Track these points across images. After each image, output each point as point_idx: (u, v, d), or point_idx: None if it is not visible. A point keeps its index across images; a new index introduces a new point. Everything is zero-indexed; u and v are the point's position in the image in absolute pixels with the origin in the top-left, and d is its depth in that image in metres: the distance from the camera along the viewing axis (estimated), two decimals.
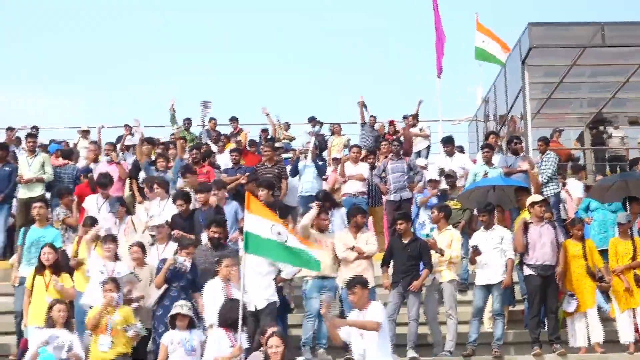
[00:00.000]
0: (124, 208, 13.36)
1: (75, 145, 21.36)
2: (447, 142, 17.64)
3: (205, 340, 10.49)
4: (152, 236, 13.03)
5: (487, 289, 12.74)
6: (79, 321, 11.31)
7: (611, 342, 12.86)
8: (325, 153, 21.32)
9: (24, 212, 15.35)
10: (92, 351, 10.74)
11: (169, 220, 13.14)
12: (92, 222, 12.32)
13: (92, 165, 16.96)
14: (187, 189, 14.38)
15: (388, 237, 15.47)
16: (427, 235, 12.90)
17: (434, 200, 15.50)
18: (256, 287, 11.57)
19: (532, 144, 18.54)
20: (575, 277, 12.96)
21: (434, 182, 16.00)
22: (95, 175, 16.28)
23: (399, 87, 47.88)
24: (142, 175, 15.99)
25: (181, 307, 10.64)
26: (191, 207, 13.73)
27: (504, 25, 46.31)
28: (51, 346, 10.39)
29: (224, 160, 18.10)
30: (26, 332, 11.84)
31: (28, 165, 15.95)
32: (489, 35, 23.47)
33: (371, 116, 21.67)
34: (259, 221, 9.75)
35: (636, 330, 12.85)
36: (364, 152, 17.74)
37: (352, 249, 12.56)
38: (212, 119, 22.28)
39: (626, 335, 12.83)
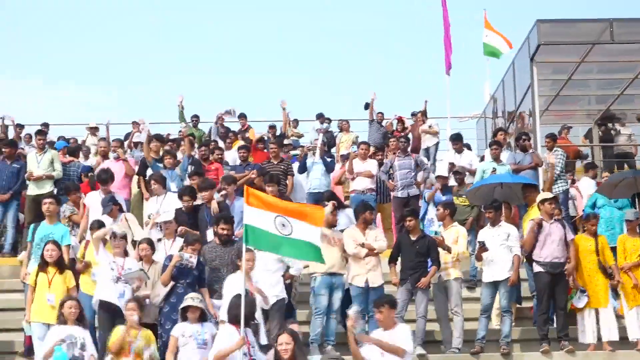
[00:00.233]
0: (117, 206, 13.30)
1: (84, 142, 21.44)
2: (456, 139, 17.66)
3: (216, 334, 10.48)
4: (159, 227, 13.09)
5: (494, 285, 12.74)
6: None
7: (619, 339, 12.85)
8: (333, 150, 21.33)
9: (33, 209, 15.41)
10: None
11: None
12: (100, 225, 12.31)
13: (101, 162, 17.00)
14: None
15: (396, 234, 15.48)
16: (436, 233, 12.89)
17: (442, 197, 15.50)
18: (265, 284, 11.58)
19: (540, 141, 18.51)
20: (587, 273, 12.96)
21: (442, 179, 16.00)
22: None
23: (407, 85, 47.85)
24: (149, 172, 16.01)
25: (192, 299, 10.61)
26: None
27: (513, 22, 46.29)
28: (65, 345, 10.38)
29: (232, 157, 18.12)
30: (28, 328, 11.86)
31: (37, 162, 15.95)
32: (494, 31, 23.52)
33: (378, 113, 21.66)
34: (259, 214, 9.67)
35: None
36: (372, 149, 17.74)
37: (363, 245, 12.57)
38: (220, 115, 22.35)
39: (634, 332, 12.83)
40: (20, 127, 21.98)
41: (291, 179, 16.48)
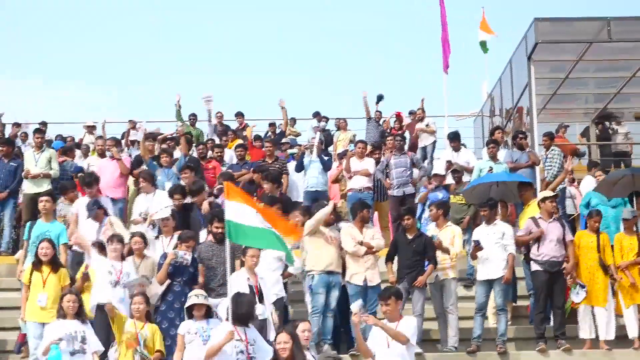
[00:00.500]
0: (102, 210, 13.28)
1: (81, 140, 21.45)
2: (454, 138, 17.65)
3: None
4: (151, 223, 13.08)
5: (489, 284, 12.75)
6: None
7: (616, 337, 12.86)
8: (330, 148, 21.34)
9: (30, 207, 15.42)
10: None
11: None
12: (102, 248, 12.28)
13: (98, 160, 17.01)
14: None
15: (393, 232, 15.49)
16: (433, 237, 12.86)
17: (439, 196, 15.52)
18: (265, 283, 11.61)
19: (538, 139, 18.51)
20: (587, 270, 12.97)
21: (439, 177, 16.01)
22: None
23: (405, 84, 47.83)
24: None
25: (197, 296, 10.51)
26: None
27: (510, 21, 46.16)
28: (64, 342, 10.34)
29: (229, 155, 18.14)
30: (24, 326, 11.84)
31: (35, 161, 15.97)
32: (487, 31, 23.64)
33: (377, 111, 21.67)
34: (240, 208, 9.64)
35: None
36: (369, 148, 17.74)
37: (361, 243, 12.58)
38: (219, 112, 22.35)
39: (631, 331, 12.84)
40: (17, 125, 21.99)
41: (286, 177, 16.49)
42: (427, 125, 20.85)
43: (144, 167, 15.84)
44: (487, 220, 13.04)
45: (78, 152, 19.57)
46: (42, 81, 54.21)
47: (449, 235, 12.92)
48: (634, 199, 14.34)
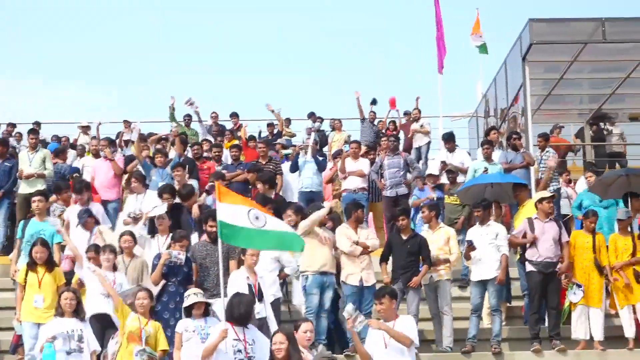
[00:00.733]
0: (92, 219, 13.26)
1: (76, 140, 21.45)
2: (449, 138, 17.66)
3: None
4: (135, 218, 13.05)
5: (483, 284, 12.75)
6: None
7: (610, 337, 12.88)
8: (325, 149, 21.34)
9: (24, 208, 15.41)
10: (124, 358, 10.44)
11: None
12: (97, 250, 12.26)
13: (92, 161, 17.00)
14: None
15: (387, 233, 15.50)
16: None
17: (434, 196, 15.52)
18: (265, 282, 11.63)
19: (532, 140, 18.54)
20: (583, 270, 12.97)
21: (433, 177, 16.01)
22: (85, 173, 16.39)
23: (399, 84, 47.90)
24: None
25: (196, 295, 10.47)
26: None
27: (505, 21, 46.30)
28: (60, 340, 10.31)
29: (224, 155, 18.13)
30: (18, 326, 11.77)
31: (29, 161, 15.98)
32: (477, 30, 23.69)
33: (371, 112, 21.68)
34: (232, 209, 9.63)
35: (637, 326, 12.86)
36: (364, 148, 17.76)
37: (357, 243, 12.59)
38: (214, 112, 22.38)
39: (626, 331, 12.85)
40: (12, 125, 21.97)
41: (280, 178, 16.47)
42: (421, 126, 20.88)
43: (138, 166, 15.86)
44: (481, 221, 13.05)
45: (72, 153, 19.57)
46: (42, 81, 54.32)
47: (443, 236, 12.93)
48: (629, 199, 14.33)
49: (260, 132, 22.12)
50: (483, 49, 24.16)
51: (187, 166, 15.53)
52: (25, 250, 12.55)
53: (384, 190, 16.32)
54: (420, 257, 12.70)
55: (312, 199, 15.73)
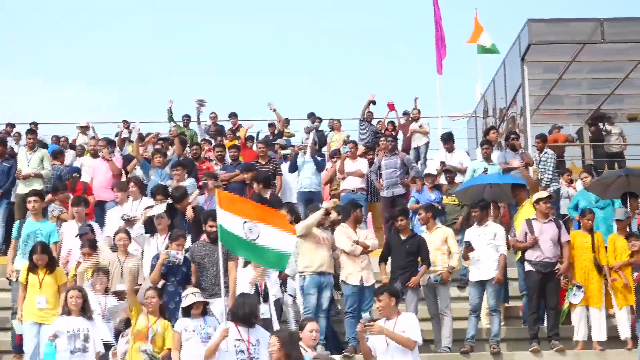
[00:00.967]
0: (93, 235, 13.28)
1: (75, 140, 21.45)
2: (448, 139, 17.64)
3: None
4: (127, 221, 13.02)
5: (481, 285, 12.75)
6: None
7: (609, 337, 12.86)
8: (324, 149, 21.34)
9: (22, 207, 15.41)
10: (134, 358, 10.44)
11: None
12: (92, 246, 12.25)
13: (91, 161, 17.00)
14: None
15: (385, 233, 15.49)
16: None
17: (432, 196, 15.52)
18: (271, 282, 11.69)
19: (531, 140, 18.54)
20: (582, 270, 12.95)
21: (431, 177, 16.01)
22: (84, 173, 16.38)
23: (399, 85, 47.89)
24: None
25: (194, 295, 10.43)
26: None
27: (504, 21, 46.28)
28: (63, 339, 10.28)
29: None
30: (19, 327, 11.72)
31: (27, 161, 15.98)
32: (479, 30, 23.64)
33: (368, 112, 21.66)
34: (230, 217, 9.72)
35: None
36: (362, 148, 17.75)
37: (357, 243, 12.58)
38: (212, 112, 22.40)
39: (624, 332, 12.84)
40: (11, 126, 21.96)
41: (280, 178, 16.47)
42: (420, 126, 20.87)
43: (137, 165, 15.89)
44: (479, 221, 13.05)
45: (72, 153, 19.57)
46: (42, 81, 54.29)
47: (440, 236, 12.92)
48: (628, 199, 14.32)
49: (258, 133, 22.10)
50: (482, 50, 24.08)
51: (187, 165, 15.52)
52: (22, 250, 12.52)
53: (381, 190, 16.33)
54: (419, 258, 12.69)
55: (311, 199, 15.73)
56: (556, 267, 12.71)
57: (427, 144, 20.82)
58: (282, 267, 10.46)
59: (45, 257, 11.52)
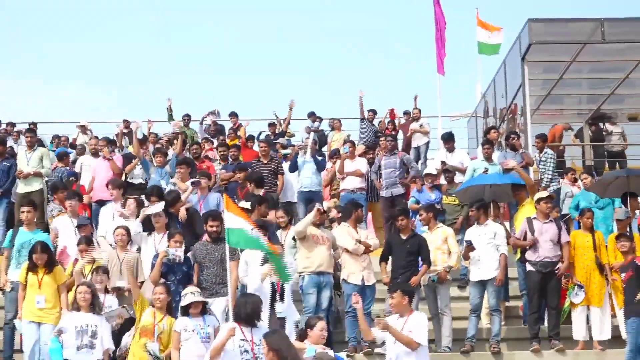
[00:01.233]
0: (90, 227, 13.22)
1: (75, 140, 21.46)
2: (448, 138, 17.63)
3: (218, 326, 10.41)
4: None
5: (482, 284, 12.74)
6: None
7: (609, 337, 12.87)
8: (325, 148, 21.34)
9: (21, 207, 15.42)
10: (137, 353, 10.45)
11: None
12: (88, 242, 12.18)
13: (92, 160, 17.01)
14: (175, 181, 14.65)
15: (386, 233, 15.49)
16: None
17: (432, 196, 15.51)
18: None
19: (531, 140, 18.54)
20: (584, 269, 12.94)
21: (431, 177, 16.00)
22: (84, 172, 16.36)
23: (399, 85, 47.92)
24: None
25: (192, 294, 10.41)
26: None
27: (504, 21, 46.34)
28: (69, 335, 10.28)
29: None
30: (19, 326, 11.67)
31: (26, 160, 15.98)
32: (490, 29, 23.54)
33: (369, 111, 21.64)
34: (237, 219, 9.95)
35: None
36: (362, 148, 17.75)
37: (359, 242, 12.58)
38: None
39: (623, 332, 12.82)
40: (11, 125, 21.97)
41: (281, 178, 16.46)
42: (421, 126, 20.88)
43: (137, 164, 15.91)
44: (478, 221, 13.04)
45: (71, 152, 19.56)
46: (42, 81, 54.28)
47: (440, 236, 12.92)
48: (628, 199, 14.32)
49: (260, 133, 22.11)
50: (483, 49, 24.04)
51: (191, 163, 15.54)
52: (15, 260, 12.31)
53: (381, 190, 16.33)
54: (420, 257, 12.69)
55: (311, 199, 15.72)
56: (557, 267, 12.70)
57: (427, 143, 20.83)
58: (286, 279, 10.84)
59: (44, 257, 11.46)
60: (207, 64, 53.55)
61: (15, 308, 11.96)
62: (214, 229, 11.95)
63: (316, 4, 54.49)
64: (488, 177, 15.11)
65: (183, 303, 10.42)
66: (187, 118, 22.26)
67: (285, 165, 17.17)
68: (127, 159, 16.46)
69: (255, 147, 19.51)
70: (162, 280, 11.56)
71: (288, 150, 19.97)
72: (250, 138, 19.67)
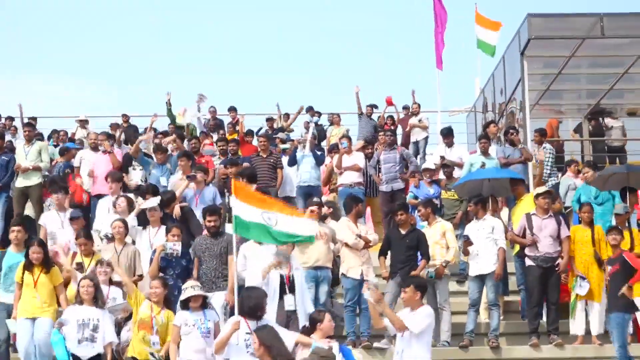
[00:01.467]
0: (82, 220, 13.16)
1: (74, 134, 21.44)
2: (447, 133, 17.61)
3: (219, 321, 10.42)
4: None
5: (481, 279, 12.75)
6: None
7: (607, 332, 12.86)
8: (324, 143, 21.33)
9: (20, 201, 15.43)
10: (136, 346, 10.46)
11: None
12: (87, 235, 12.16)
13: (91, 154, 17.01)
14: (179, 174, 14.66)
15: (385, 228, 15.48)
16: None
17: (431, 191, 15.51)
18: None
19: (530, 135, 18.52)
20: (583, 264, 12.92)
21: (429, 171, 15.99)
22: (83, 166, 16.37)
23: (398, 80, 47.86)
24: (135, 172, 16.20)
25: (192, 288, 10.37)
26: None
27: (503, 16, 46.08)
28: (70, 328, 10.29)
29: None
30: (14, 325, 11.53)
31: (25, 154, 15.97)
32: (486, 26, 23.46)
33: (368, 106, 21.62)
34: (246, 207, 9.83)
35: (634, 322, 12.83)
36: (361, 143, 17.74)
37: (360, 237, 12.58)
38: (212, 107, 22.41)
39: (606, 326, 12.81)
40: (10, 119, 21.95)
41: (281, 172, 16.47)
42: (420, 120, 20.88)
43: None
44: (476, 216, 13.04)
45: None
46: (42, 80, 54.21)
47: (439, 230, 12.92)
48: (627, 194, 14.30)
49: (260, 129, 22.10)
50: (481, 46, 23.97)
51: (192, 157, 15.53)
52: (3, 283, 11.93)
53: (380, 185, 16.32)
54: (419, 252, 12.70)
55: (310, 193, 15.71)
56: (557, 262, 12.70)
57: (426, 138, 20.84)
58: (311, 239, 10.51)
59: (41, 252, 11.31)
60: (207, 64, 53.56)
61: (6, 330, 11.70)
62: (212, 223, 11.96)
63: (316, 4, 54.52)
64: (486, 171, 15.11)
65: (183, 297, 10.39)
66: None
67: (284, 160, 17.17)
68: (128, 158, 16.38)
69: (255, 142, 19.49)
70: (161, 274, 11.59)
71: (287, 145, 19.97)
72: (250, 133, 19.65)
